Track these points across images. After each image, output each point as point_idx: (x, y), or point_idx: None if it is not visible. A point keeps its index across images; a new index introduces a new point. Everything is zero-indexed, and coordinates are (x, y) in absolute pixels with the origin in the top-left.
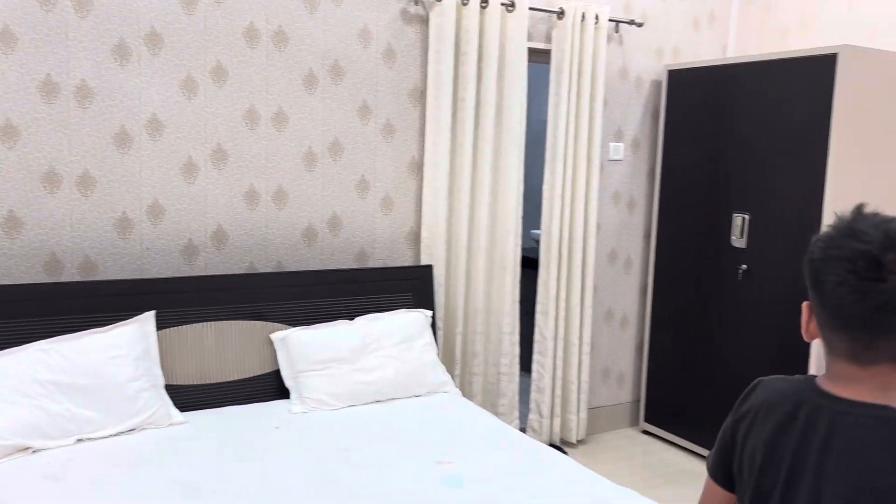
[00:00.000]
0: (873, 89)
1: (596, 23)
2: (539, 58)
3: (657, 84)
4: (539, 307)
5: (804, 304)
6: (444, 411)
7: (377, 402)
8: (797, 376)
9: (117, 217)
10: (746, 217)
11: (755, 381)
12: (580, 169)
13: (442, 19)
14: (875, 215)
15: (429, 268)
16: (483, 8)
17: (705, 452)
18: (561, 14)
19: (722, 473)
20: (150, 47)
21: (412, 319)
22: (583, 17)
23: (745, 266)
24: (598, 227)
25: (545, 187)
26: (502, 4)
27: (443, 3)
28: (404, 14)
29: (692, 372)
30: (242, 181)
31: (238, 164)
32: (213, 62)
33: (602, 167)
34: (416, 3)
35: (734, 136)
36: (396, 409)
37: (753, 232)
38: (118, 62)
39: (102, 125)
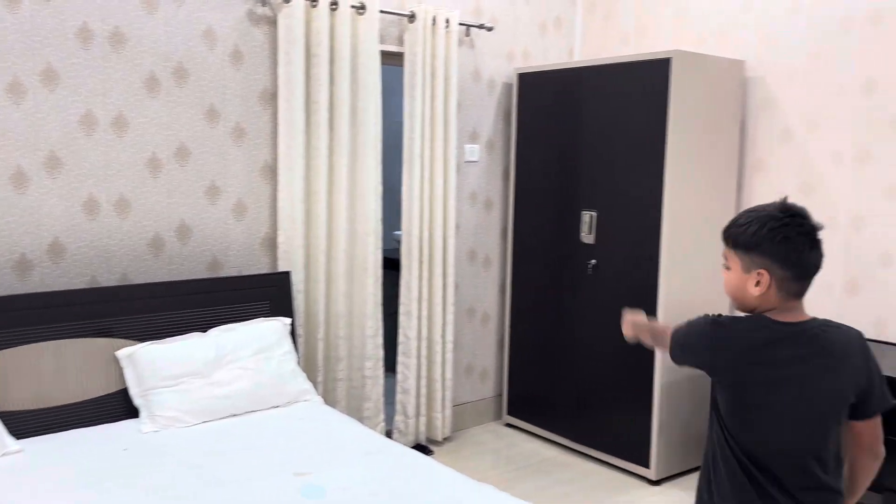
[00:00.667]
0: (702, 90)
1: (447, 26)
2: (394, 60)
3: (508, 86)
4: (402, 308)
5: (761, 278)
6: (304, 421)
7: (234, 416)
8: (749, 320)
9: None
10: (594, 214)
11: (714, 319)
12: (437, 170)
13: (291, 21)
14: (794, 205)
15: (286, 274)
16: (333, 10)
17: (566, 442)
18: (412, 17)
19: (687, 361)
20: None
21: (270, 328)
22: (433, 20)
23: (594, 261)
24: (458, 227)
25: (404, 189)
26: (352, 7)
27: (291, 5)
28: (251, 15)
29: (550, 364)
30: (80, 190)
31: (75, 173)
32: (42, 64)
33: (459, 168)
34: (264, 5)
35: (581, 137)
36: (254, 421)
37: (600, 228)
38: None
39: None
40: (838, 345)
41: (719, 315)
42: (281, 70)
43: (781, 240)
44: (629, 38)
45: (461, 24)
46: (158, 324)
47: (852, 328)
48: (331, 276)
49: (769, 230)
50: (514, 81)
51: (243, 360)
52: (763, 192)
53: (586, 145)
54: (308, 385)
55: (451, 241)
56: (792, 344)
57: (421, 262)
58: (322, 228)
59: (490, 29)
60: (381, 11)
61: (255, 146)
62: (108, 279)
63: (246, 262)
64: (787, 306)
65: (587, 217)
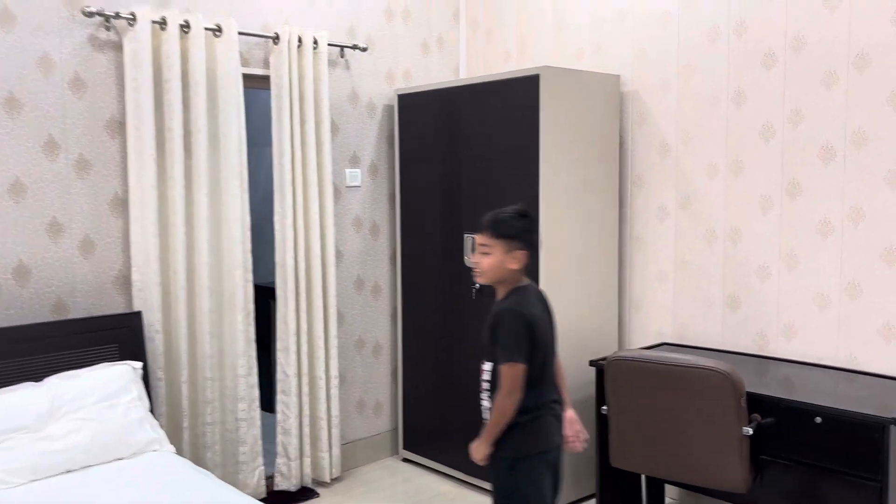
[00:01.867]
0: (576, 106)
1: (315, 47)
2: (262, 83)
3: (390, 108)
4: (279, 343)
5: (520, 257)
6: (147, 474)
7: (68, 472)
8: (520, 297)
9: None
10: (475, 237)
11: (513, 309)
12: (312, 196)
13: (137, 45)
14: (526, 208)
15: (137, 314)
16: (185, 32)
17: (460, 475)
18: (276, 39)
19: (524, 356)
20: None
21: (116, 374)
22: (299, 41)
23: (478, 285)
24: (340, 254)
25: (276, 217)
26: (208, 29)
27: (137, 28)
28: (93, 40)
29: (443, 393)
30: None
31: None
32: None
33: (340, 194)
34: (108, 29)
35: (461, 158)
36: (90, 477)
37: None
38: None
39: None
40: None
41: (512, 308)
42: (129, 97)
43: (529, 232)
44: (511, 56)
45: (333, 44)
46: None
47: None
48: (193, 313)
49: (523, 225)
50: (395, 103)
51: (84, 409)
52: (644, 209)
53: (466, 166)
54: (159, 433)
55: (332, 270)
56: (536, 298)
57: (298, 294)
58: (180, 263)
59: (364, 49)
60: (242, 34)
61: (102, 178)
62: None
63: (96, 303)
64: (523, 276)
65: (470, 240)
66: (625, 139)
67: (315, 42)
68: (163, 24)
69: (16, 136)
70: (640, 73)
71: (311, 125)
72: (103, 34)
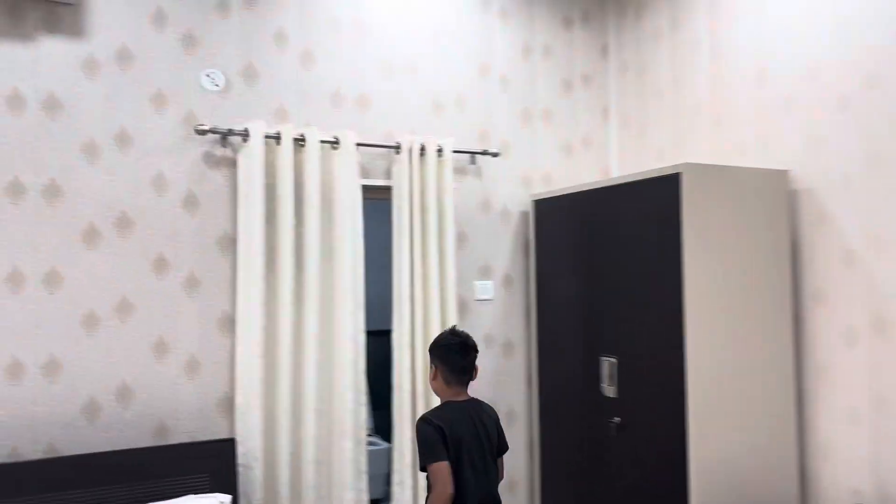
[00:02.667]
0: (729, 208)
1: (440, 155)
2: (385, 194)
3: (525, 215)
4: (395, 476)
5: (433, 371)
6: None
7: None
8: (439, 407)
9: None
10: (614, 360)
11: (425, 420)
12: (432, 311)
13: (250, 160)
14: (460, 330)
15: (230, 441)
16: (300, 146)
17: None
18: (398, 149)
19: (444, 453)
20: None
21: None
22: (422, 150)
23: (617, 419)
24: None
25: (394, 336)
26: (325, 142)
27: (250, 144)
28: (208, 157)
29: None
30: (2, 353)
31: None
32: None
33: (467, 308)
34: (224, 146)
35: (600, 267)
36: None
37: (623, 378)
38: None
39: None
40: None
41: (421, 418)
42: (240, 213)
43: (445, 352)
44: (665, 153)
45: (461, 151)
46: (86, 502)
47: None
48: (298, 440)
49: (440, 347)
50: (530, 209)
51: None
52: (827, 331)
53: (604, 277)
54: None
55: None
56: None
57: (414, 419)
58: (286, 385)
59: (496, 155)
60: (362, 145)
61: (211, 296)
62: (33, 451)
63: (200, 427)
64: (459, 392)
65: (606, 364)
66: (798, 245)
67: (440, 150)
68: (277, 138)
69: (126, 255)
70: (814, 166)
71: (433, 235)
72: (219, 151)
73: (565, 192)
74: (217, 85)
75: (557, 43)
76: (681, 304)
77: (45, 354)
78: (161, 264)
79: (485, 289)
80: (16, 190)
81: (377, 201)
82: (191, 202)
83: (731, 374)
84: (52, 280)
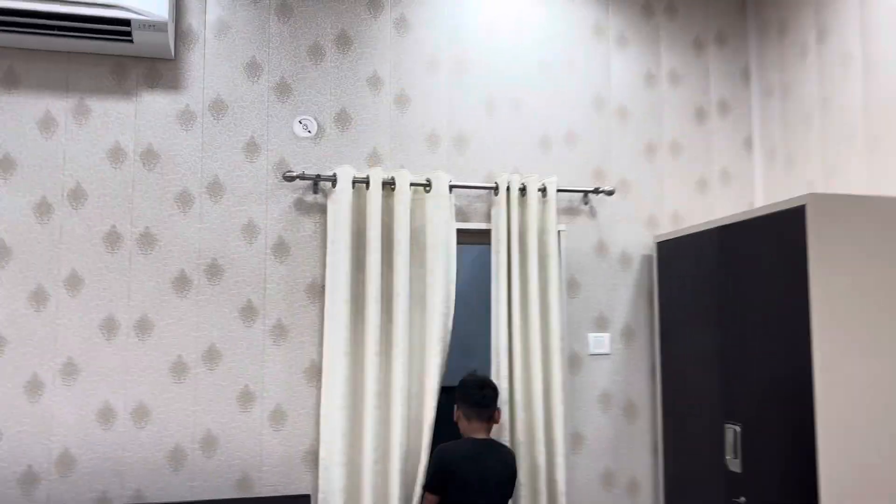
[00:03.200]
0: (872, 243)
1: (543, 195)
2: (485, 238)
3: (649, 259)
4: None
5: (456, 410)
6: None
7: None
8: (458, 441)
9: None
10: (738, 428)
11: (439, 448)
12: (534, 366)
13: (338, 206)
14: (479, 374)
15: (305, 498)
16: (391, 190)
17: None
18: (496, 190)
19: (438, 487)
20: None
21: None
22: (522, 190)
23: (742, 499)
24: (580, 439)
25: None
26: (416, 185)
27: (338, 189)
28: (300, 204)
29: None
30: (95, 397)
31: (91, 379)
32: (66, 271)
33: (579, 363)
34: (315, 192)
35: (727, 318)
36: None
37: (747, 449)
38: None
39: None
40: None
41: (439, 446)
42: (329, 259)
43: (464, 395)
44: (815, 185)
45: (571, 190)
46: None
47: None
48: (384, 500)
49: (461, 391)
50: (654, 252)
51: None
52: None
53: (730, 330)
54: None
55: (561, 460)
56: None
57: (531, 486)
58: (370, 440)
59: (610, 193)
60: (457, 186)
61: (299, 345)
62: (120, 496)
63: (283, 481)
64: (479, 430)
65: (731, 433)
66: None
67: (542, 189)
68: (366, 182)
69: (215, 303)
70: None
71: (534, 282)
72: (310, 197)
73: (691, 232)
74: (310, 131)
75: (688, 68)
76: (807, 360)
77: (135, 401)
78: (249, 312)
79: (600, 342)
80: (113, 239)
81: (481, 246)
82: (281, 249)
83: (870, 447)
84: (143, 327)
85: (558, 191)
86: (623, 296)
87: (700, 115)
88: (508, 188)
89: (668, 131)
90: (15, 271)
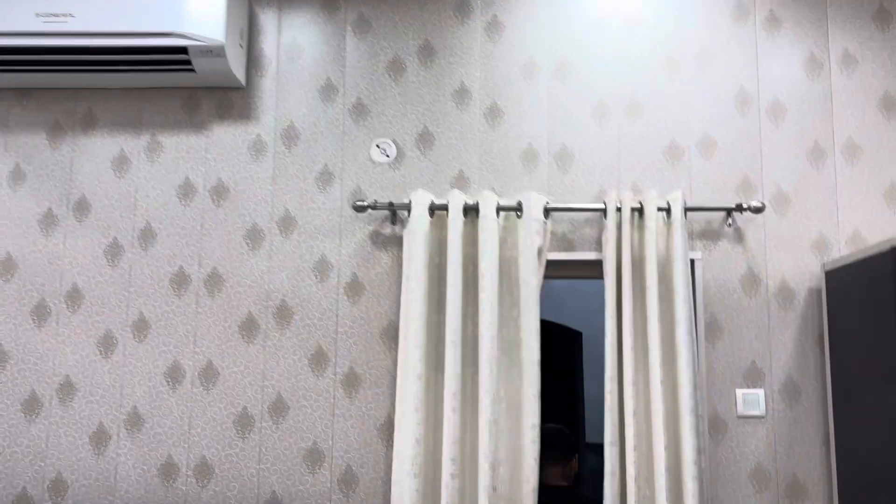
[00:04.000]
0: None
1: (667, 216)
2: (597, 272)
3: (817, 293)
4: None
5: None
6: None
7: None
8: None
9: (16, 494)
10: None
11: None
12: (656, 431)
13: (413, 237)
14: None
15: None
16: (475, 216)
17: None
18: (605, 212)
19: None
20: (69, 305)
21: None
22: (638, 211)
23: None
24: None
25: (606, 456)
26: (504, 210)
27: (412, 217)
28: (376, 237)
29: None
30: (159, 451)
31: (154, 432)
32: (135, 315)
33: (724, 429)
34: (393, 223)
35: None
36: None
37: None
38: (36, 323)
39: (14, 391)
40: None
41: None
42: (402, 298)
43: None
44: None
45: (705, 208)
46: None
47: None
48: None
49: None
50: (823, 283)
51: None
52: None
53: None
54: None
55: None
56: None
57: None
58: None
59: (759, 210)
60: (553, 209)
61: (373, 398)
62: None
63: None
64: None
65: None
66: None
67: (666, 209)
68: (446, 209)
69: (283, 348)
70: None
71: (654, 324)
72: (387, 229)
73: (875, 253)
74: (388, 155)
75: (867, 49)
76: None
77: (197, 457)
78: (320, 359)
79: (753, 401)
80: (180, 281)
81: (590, 281)
82: (355, 288)
83: None
84: (208, 375)
85: (689, 209)
86: (783, 341)
87: (888, 105)
88: (619, 208)
89: (841, 129)
90: (85, 316)
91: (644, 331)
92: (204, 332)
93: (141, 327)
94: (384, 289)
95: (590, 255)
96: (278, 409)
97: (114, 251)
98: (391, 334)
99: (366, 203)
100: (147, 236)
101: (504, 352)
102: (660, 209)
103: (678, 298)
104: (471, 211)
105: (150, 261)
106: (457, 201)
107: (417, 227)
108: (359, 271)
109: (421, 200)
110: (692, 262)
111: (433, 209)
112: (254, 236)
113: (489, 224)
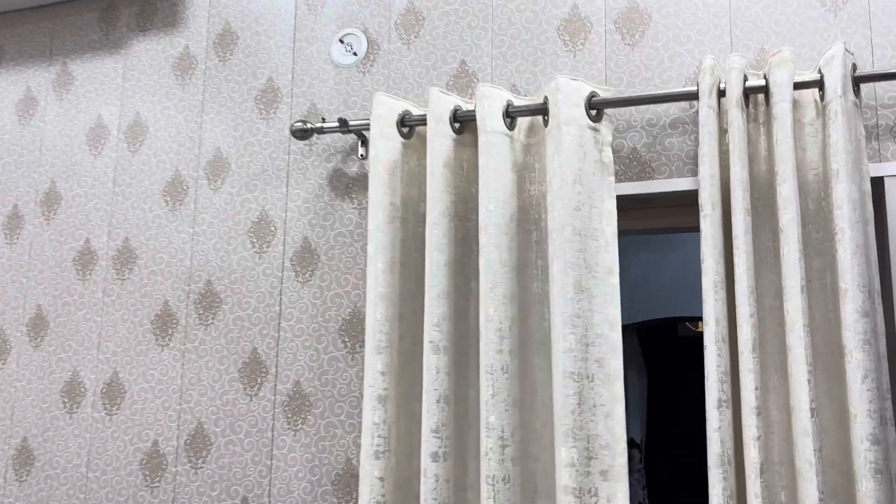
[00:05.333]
0: None
1: (820, 94)
2: (690, 218)
3: None
4: None
5: None
6: None
7: None
8: None
9: None
10: None
11: None
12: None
13: (375, 168)
14: None
15: None
16: (473, 126)
17: None
18: (694, 97)
19: None
20: None
21: None
22: (765, 91)
23: None
24: None
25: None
26: (519, 113)
27: (372, 139)
28: (337, 180)
29: None
30: (53, 500)
31: (46, 474)
32: (32, 310)
33: None
34: (364, 157)
35: None
36: None
37: None
38: None
39: None
40: None
41: None
42: (368, 273)
43: None
44: None
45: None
46: None
47: None
48: None
49: None
50: None
51: None
52: None
53: None
54: None
55: None
56: None
57: None
58: None
59: None
60: (605, 103)
61: (327, 430)
62: None
63: None
64: None
65: None
66: None
67: (818, 80)
68: (422, 123)
69: (207, 354)
70: None
71: (797, 301)
72: (354, 166)
73: None
74: (355, 53)
75: None
76: None
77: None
78: (255, 370)
79: None
80: (86, 260)
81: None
82: (305, 260)
83: None
84: (112, 394)
85: (862, 78)
86: None
87: None
88: (722, 90)
89: None
90: None
91: (778, 316)
92: (110, 330)
93: (38, 327)
94: (348, 259)
95: (675, 183)
96: (198, 444)
97: (13, 224)
98: (356, 330)
99: (308, 125)
100: (51, 201)
101: (526, 349)
102: (802, 84)
103: (845, 251)
104: (467, 122)
105: (54, 234)
106: (439, 106)
107: (381, 156)
108: (312, 233)
109: (384, 111)
110: (877, 183)
111: (407, 123)
112: (175, 191)
113: (492, 139)
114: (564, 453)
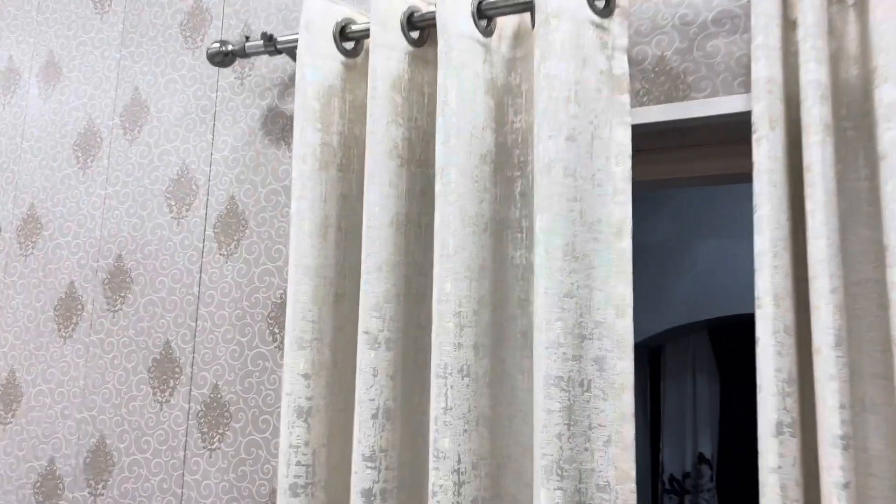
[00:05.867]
0: None
1: None
2: (742, 163)
3: None
4: None
5: None
6: None
7: None
8: None
9: None
10: None
11: None
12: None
13: (302, 101)
14: None
15: None
16: (424, 38)
17: None
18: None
19: None
20: None
21: None
22: None
23: None
24: None
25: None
26: (499, 10)
27: (300, 57)
28: (272, 122)
29: None
30: None
31: None
32: None
33: None
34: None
35: None
36: None
37: None
38: None
39: None
40: None
41: None
42: (292, 239)
43: None
44: None
45: None
46: None
47: None
48: None
49: None
50: None
51: None
52: None
53: None
54: None
55: None
56: None
57: None
58: None
59: None
60: None
61: (251, 449)
62: None
63: None
64: None
65: None
66: None
67: None
68: (364, 37)
69: (115, 349)
70: None
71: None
72: (291, 103)
73: None
74: None
75: None
76: None
77: None
78: (166, 369)
79: None
80: None
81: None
82: (230, 227)
83: None
84: (8, 398)
85: None
86: None
87: None
88: None
89: None
90: None
91: (877, 292)
92: (9, 319)
93: None
94: (281, 223)
95: (723, 104)
96: (100, 465)
97: None
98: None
99: (228, 46)
100: None
101: (502, 335)
102: None
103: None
104: (425, 28)
105: None
106: (386, 4)
107: (309, 77)
108: (240, 191)
109: (315, 17)
110: None
111: (350, 35)
112: (87, 144)
113: (462, 47)
114: (545, 497)
